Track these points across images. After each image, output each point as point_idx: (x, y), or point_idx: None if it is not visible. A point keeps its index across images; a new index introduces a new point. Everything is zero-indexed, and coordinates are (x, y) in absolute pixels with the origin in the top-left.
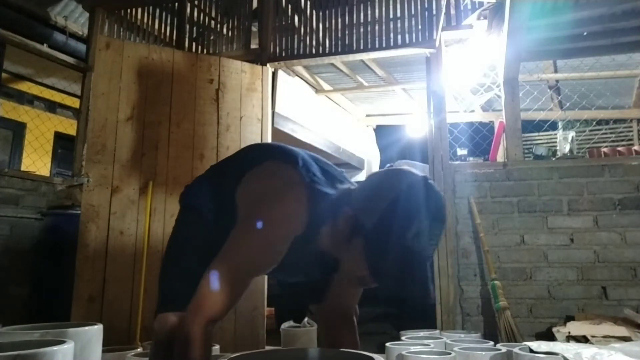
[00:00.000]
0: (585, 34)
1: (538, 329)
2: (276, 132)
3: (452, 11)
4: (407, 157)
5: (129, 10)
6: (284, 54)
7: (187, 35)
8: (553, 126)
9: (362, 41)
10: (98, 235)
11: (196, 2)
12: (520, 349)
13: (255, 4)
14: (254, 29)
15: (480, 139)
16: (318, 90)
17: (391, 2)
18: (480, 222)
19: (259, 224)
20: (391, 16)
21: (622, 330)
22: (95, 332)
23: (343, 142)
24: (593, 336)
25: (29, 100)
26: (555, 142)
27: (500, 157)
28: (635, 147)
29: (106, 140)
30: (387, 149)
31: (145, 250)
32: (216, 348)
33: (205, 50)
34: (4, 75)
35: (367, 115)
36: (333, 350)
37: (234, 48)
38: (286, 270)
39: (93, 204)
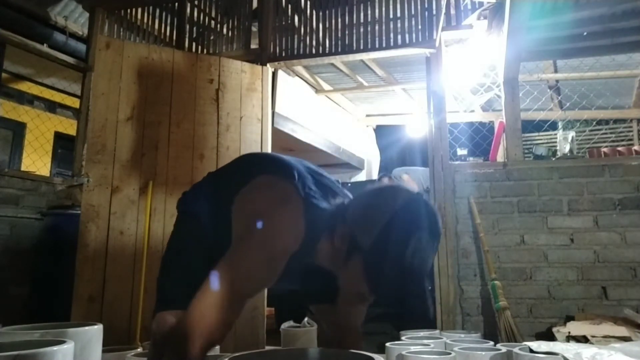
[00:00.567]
0: (585, 34)
1: (538, 329)
2: (276, 132)
3: (452, 11)
4: (407, 157)
5: (129, 10)
6: (284, 54)
7: (187, 35)
8: (553, 126)
9: (362, 41)
10: (98, 235)
11: (196, 2)
12: (520, 349)
13: (255, 4)
14: (254, 29)
15: (480, 139)
16: (318, 90)
17: (391, 2)
18: (480, 222)
19: (255, 242)
20: (391, 16)
21: (622, 330)
22: (95, 332)
23: (343, 142)
24: (593, 336)
25: (29, 100)
26: (555, 142)
27: (500, 157)
28: (635, 147)
29: (106, 140)
30: (387, 149)
31: (145, 250)
32: (216, 348)
33: (205, 50)
34: (4, 75)
35: (367, 115)
36: (333, 350)
37: (234, 48)
38: (283, 285)
39: (93, 204)
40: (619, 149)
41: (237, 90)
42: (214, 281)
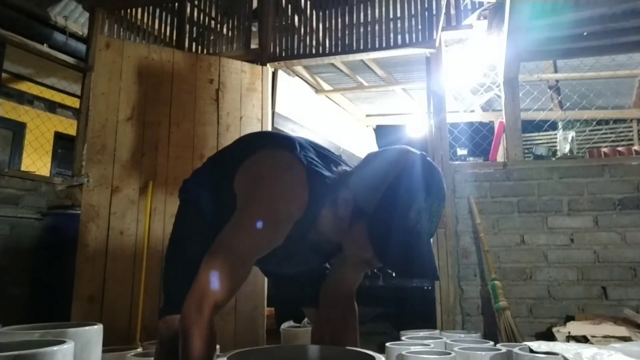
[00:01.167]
0: (585, 34)
1: (538, 329)
2: None
3: (452, 11)
4: None
5: (129, 10)
6: (284, 54)
7: (187, 35)
8: (553, 126)
9: (362, 41)
10: (98, 235)
11: (196, 2)
12: (520, 349)
13: (255, 4)
14: (254, 29)
15: (480, 139)
16: (318, 90)
17: (391, 2)
18: (480, 222)
19: (259, 205)
20: (391, 16)
21: (622, 330)
22: (95, 332)
23: (343, 142)
24: (593, 336)
25: (29, 100)
26: (555, 142)
27: (500, 157)
28: (635, 147)
29: (106, 140)
30: None
31: (145, 250)
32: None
33: (205, 50)
34: (4, 75)
35: (367, 115)
36: (335, 347)
37: (234, 48)
38: (286, 258)
39: (93, 204)
40: (619, 149)
41: (237, 90)
42: (220, 243)
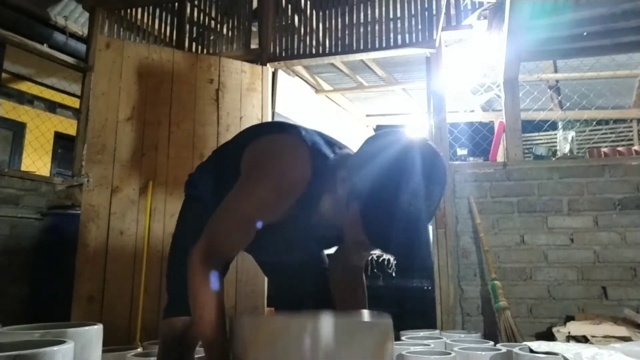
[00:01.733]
0: (585, 34)
1: (538, 329)
2: None
3: (452, 11)
4: None
5: (129, 10)
6: (284, 54)
7: (187, 35)
8: (553, 126)
9: (362, 41)
10: (98, 235)
11: (196, 2)
12: (520, 349)
13: (255, 4)
14: (254, 29)
15: (480, 139)
16: (318, 90)
17: (391, 2)
18: (480, 222)
19: (262, 174)
20: (391, 16)
21: (622, 330)
22: (95, 332)
23: (343, 142)
24: (593, 336)
25: (29, 100)
26: (555, 142)
27: (500, 157)
28: (635, 147)
29: (106, 140)
30: None
31: (145, 250)
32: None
33: (205, 50)
34: (4, 75)
35: (367, 115)
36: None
37: (234, 48)
38: (288, 244)
39: (93, 204)
40: (619, 149)
41: (237, 90)
42: (222, 207)
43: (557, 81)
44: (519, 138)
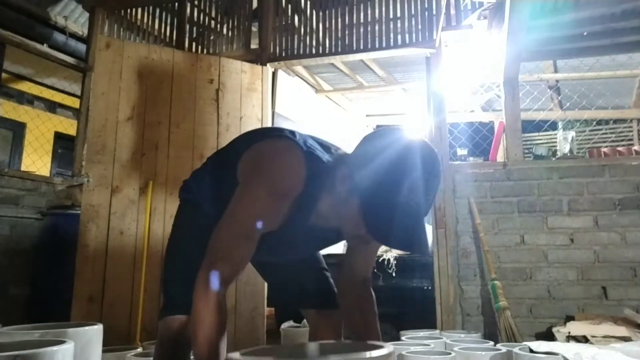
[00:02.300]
0: (585, 34)
1: (538, 329)
2: None
3: (452, 11)
4: None
5: (129, 10)
6: (284, 54)
7: (187, 35)
8: (553, 126)
9: (362, 41)
10: (98, 235)
11: (196, 2)
12: (520, 349)
13: (255, 4)
14: (254, 29)
15: (480, 139)
16: (318, 90)
17: (391, 2)
18: (480, 222)
19: (258, 181)
20: (391, 16)
21: (622, 330)
22: (95, 332)
23: (343, 142)
24: (593, 336)
25: (29, 100)
26: (555, 142)
27: (500, 157)
28: (635, 147)
29: (106, 140)
30: None
31: (145, 250)
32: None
33: (205, 50)
34: (4, 75)
35: (367, 115)
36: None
37: (234, 48)
38: (287, 243)
39: (93, 204)
40: (619, 149)
41: (237, 90)
42: (224, 220)
43: (557, 81)
44: (519, 138)
